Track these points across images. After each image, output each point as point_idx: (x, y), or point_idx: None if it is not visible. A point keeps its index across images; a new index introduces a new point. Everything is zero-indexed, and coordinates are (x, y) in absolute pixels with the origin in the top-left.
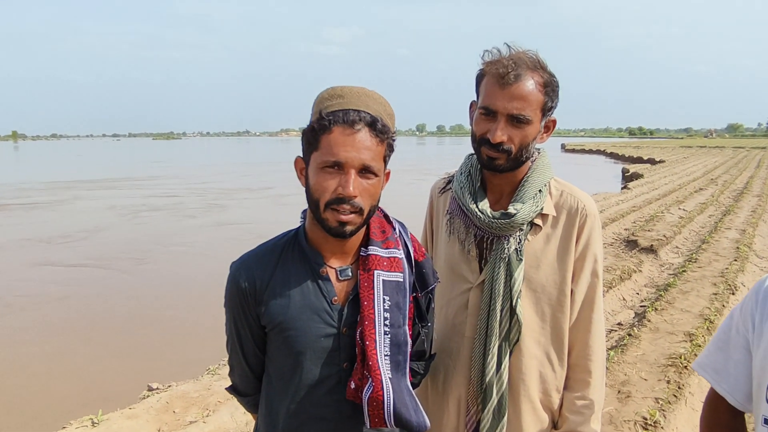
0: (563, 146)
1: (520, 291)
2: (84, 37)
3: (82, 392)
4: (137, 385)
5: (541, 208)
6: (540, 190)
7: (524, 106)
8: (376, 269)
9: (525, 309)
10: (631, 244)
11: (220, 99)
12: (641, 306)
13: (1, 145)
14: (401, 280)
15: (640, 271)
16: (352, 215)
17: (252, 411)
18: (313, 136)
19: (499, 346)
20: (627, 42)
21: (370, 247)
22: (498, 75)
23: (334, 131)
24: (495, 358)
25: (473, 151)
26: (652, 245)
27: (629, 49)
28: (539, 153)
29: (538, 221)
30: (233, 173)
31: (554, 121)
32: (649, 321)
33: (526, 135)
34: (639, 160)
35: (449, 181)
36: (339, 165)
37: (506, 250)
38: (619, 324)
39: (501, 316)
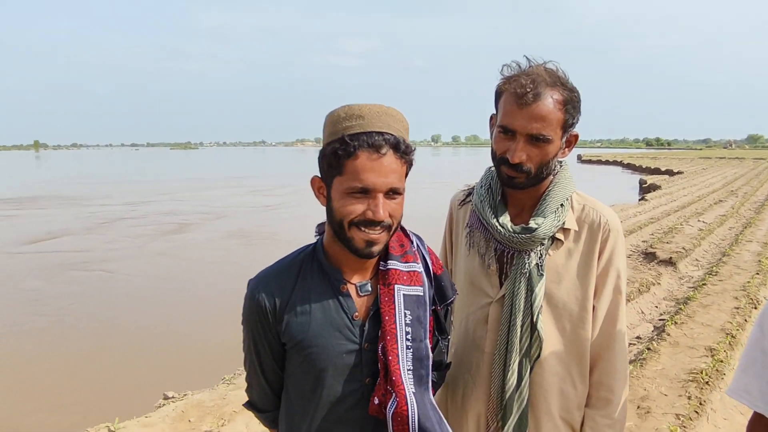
0: (579, 157)
1: (541, 306)
2: (105, 48)
3: (99, 401)
4: (153, 394)
5: (563, 223)
6: (562, 205)
7: (544, 126)
8: (396, 283)
9: (546, 325)
10: (650, 256)
11: (237, 109)
12: (660, 319)
13: (22, 155)
14: (421, 293)
15: (659, 283)
16: (382, 234)
17: (270, 427)
18: (336, 160)
19: (520, 362)
20: (644, 52)
21: (389, 262)
22: (516, 95)
23: (360, 156)
24: (515, 374)
25: (493, 166)
26: (671, 257)
27: (647, 59)
28: (561, 166)
29: (560, 236)
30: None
31: (576, 136)
32: (668, 335)
33: (546, 153)
34: (656, 171)
35: (469, 194)
36: (366, 191)
37: (527, 265)
38: (637, 337)
39: (521, 331)
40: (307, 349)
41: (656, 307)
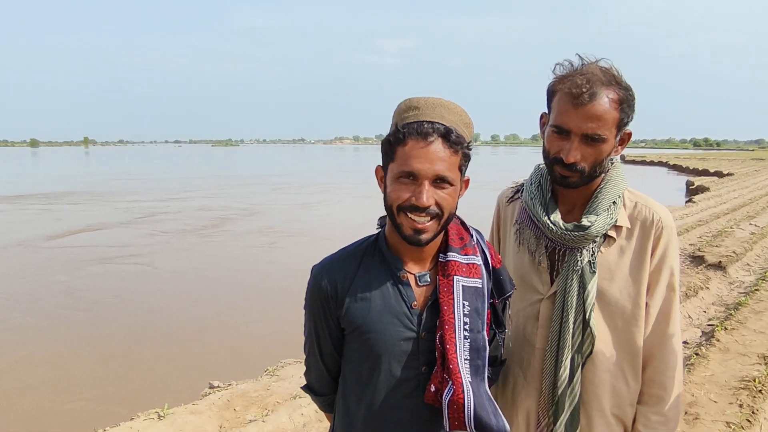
0: (623, 157)
1: (594, 304)
2: (149, 49)
3: (144, 391)
4: (198, 384)
5: (615, 220)
6: (614, 202)
7: (599, 126)
8: (455, 275)
9: (598, 322)
10: (697, 259)
11: (277, 107)
12: (709, 325)
13: (73, 150)
14: (480, 286)
15: (708, 288)
16: (430, 222)
17: (326, 410)
18: (389, 147)
19: (572, 359)
20: (689, 50)
21: (449, 254)
22: (571, 95)
23: (408, 143)
24: (567, 370)
25: (543, 164)
26: (720, 261)
27: (692, 57)
28: (613, 164)
29: (612, 233)
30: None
31: (629, 134)
32: (718, 341)
33: (600, 152)
34: (705, 173)
35: (517, 191)
36: (413, 176)
37: (579, 262)
38: (684, 342)
39: (574, 328)
40: (365, 335)
41: (704, 312)
